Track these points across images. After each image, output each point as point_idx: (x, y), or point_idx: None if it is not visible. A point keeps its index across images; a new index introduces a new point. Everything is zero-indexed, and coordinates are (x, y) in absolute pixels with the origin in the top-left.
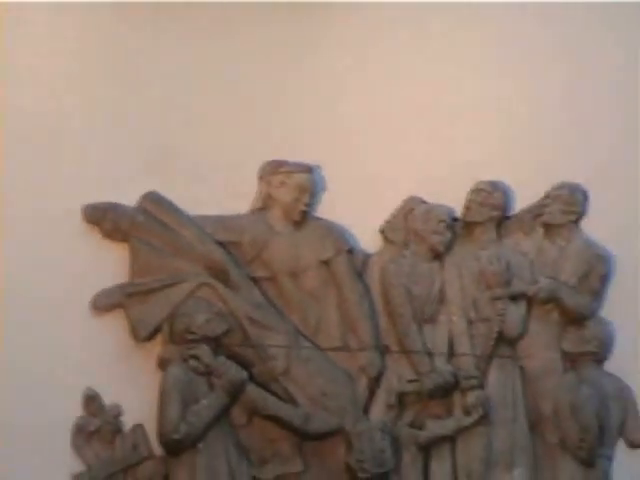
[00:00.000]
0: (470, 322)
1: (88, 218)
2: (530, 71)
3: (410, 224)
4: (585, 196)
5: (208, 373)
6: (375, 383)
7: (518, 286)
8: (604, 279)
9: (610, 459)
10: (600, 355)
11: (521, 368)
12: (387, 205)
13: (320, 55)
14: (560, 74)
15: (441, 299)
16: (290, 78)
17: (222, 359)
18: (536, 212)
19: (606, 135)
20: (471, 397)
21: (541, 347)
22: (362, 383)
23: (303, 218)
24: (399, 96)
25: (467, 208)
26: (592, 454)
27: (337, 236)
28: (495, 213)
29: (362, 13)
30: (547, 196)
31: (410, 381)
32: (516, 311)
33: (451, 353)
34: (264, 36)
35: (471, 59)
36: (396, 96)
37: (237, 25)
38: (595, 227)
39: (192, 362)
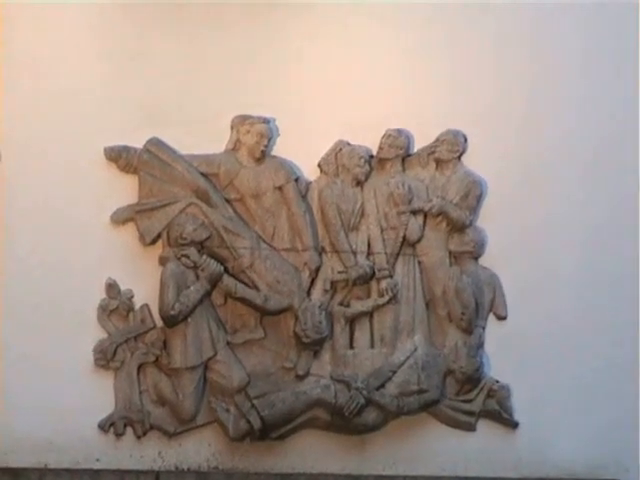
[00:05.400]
0: (382, 230)
1: (108, 157)
2: (423, 48)
3: (339, 160)
4: (465, 139)
5: (195, 267)
6: (315, 274)
7: (417, 204)
8: (479, 198)
9: (483, 328)
10: (476, 253)
11: (419, 263)
12: (323, 146)
13: (278, 42)
14: (444, 54)
15: (362, 213)
16: (256, 58)
17: (205, 257)
18: (430, 151)
19: (482, 92)
20: (384, 283)
21: (434, 248)
22: (305, 274)
23: (262, 156)
24: (332, 69)
25: (380, 148)
26: (470, 324)
27: (287, 169)
28: (400, 152)
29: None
30: (437, 139)
31: (340, 272)
32: (415, 222)
33: (369, 252)
34: (239, 26)
35: (383, 42)
36: (329, 69)
37: (219, 15)
38: (472, 161)
39: (184, 259)
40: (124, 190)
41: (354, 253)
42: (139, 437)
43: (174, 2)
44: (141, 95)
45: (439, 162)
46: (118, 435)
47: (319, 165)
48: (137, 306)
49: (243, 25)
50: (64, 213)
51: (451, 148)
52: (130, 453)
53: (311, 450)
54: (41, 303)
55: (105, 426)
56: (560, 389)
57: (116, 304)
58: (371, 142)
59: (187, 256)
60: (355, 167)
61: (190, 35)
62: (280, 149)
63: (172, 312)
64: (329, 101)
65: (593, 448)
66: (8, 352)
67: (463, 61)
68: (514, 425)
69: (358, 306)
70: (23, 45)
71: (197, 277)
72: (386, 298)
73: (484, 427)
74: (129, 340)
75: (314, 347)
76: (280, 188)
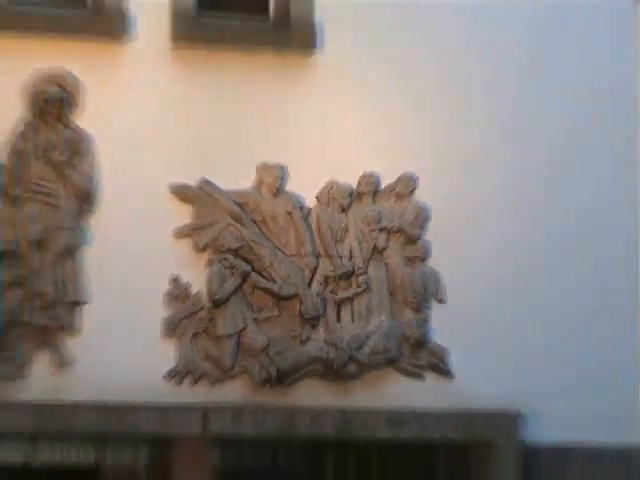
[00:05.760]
0: (360, 242)
1: (172, 191)
2: (387, 118)
3: (330, 194)
4: (416, 180)
5: (231, 267)
6: (313, 272)
7: (384, 224)
8: (425, 220)
9: (429, 308)
10: (424, 257)
11: (385, 264)
12: (319, 185)
13: (290, 109)
14: (404, 119)
15: (346, 230)
16: (275, 121)
17: (238, 260)
18: (392, 188)
19: (433, 141)
20: (360, 278)
21: (395, 253)
22: (307, 272)
23: (277, 191)
24: (325, 133)
25: (359, 184)
26: (420, 306)
27: (294, 200)
28: (372, 188)
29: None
30: (398, 179)
31: (331, 270)
32: (382, 236)
33: (350, 257)
34: (263, 95)
35: (360, 113)
36: (323, 132)
37: (250, 82)
38: (422, 194)
39: (223, 262)
40: (183, 214)
41: (340, 257)
42: (192, 384)
43: (221, 82)
44: (196, 145)
45: (398, 195)
46: (178, 382)
47: (317, 197)
48: (192, 293)
49: (270, 93)
50: (145, 229)
51: (407, 186)
52: (186, 394)
53: (311, 392)
54: (129, 291)
55: (170, 376)
56: (482, 348)
57: (178, 292)
58: (352, 181)
59: (226, 259)
60: (341, 199)
61: (231, 104)
62: (290, 186)
63: (216, 297)
64: (324, 154)
65: (506, 387)
66: (104, 320)
67: (415, 123)
68: (450, 375)
69: (343, 294)
70: (95, 97)
71: (232, 274)
72: (362, 288)
73: (430, 377)
74: (186, 316)
75: (313, 321)
76: (289, 213)
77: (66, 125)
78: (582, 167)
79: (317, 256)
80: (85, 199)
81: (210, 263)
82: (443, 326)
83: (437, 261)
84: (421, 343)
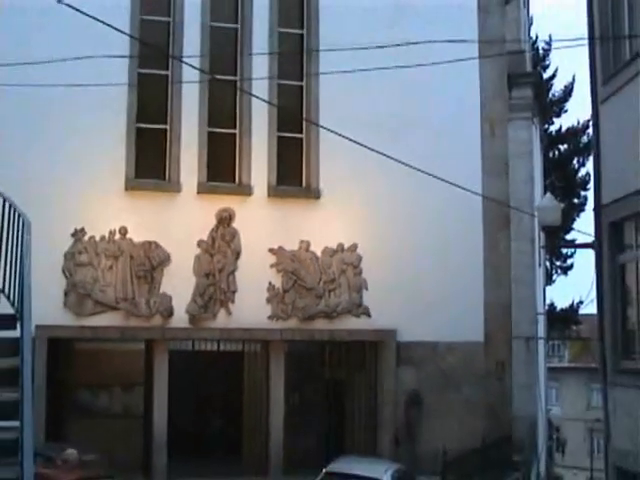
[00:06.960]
0: (337, 268)
1: (269, 249)
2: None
3: (326, 251)
4: (357, 245)
5: (291, 278)
6: (320, 279)
7: (346, 261)
8: (360, 260)
9: (362, 292)
10: (360, 273)
11: (347, 276)
12: (321, 248)
13: (310, 223)
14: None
15: (331, 264)
16: (304, 229)
17: (294, 276)
18: (348, 248)
19: (364, 234)
20: (336, 281)
21: (349, 272)
22: (317, 279)
23: (307, 251)
24: (322, 230)
25: (336, 247)
26: (359, 291)
27: (312, 255)
28: (340, 248)
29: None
30: (350, 245)
31: (326, 279)
32: (344, 266)
33: (333, 274)
34: (298, 219)
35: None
36: (321, 230)
37: (294, 215)
38: (359, 250)
39: (287, 276)
40: (273, 259)
41: (330, 274)
42: (276, 320)
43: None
44: (278, 236)
45: (351, 251)
46: (272, 320)
47: (321, 252)
48: (276, 287)
49: (298, 220)
50: (260, 265)
51: (353, 247)
52: (274, 325)
53: (320, 323)
54: (256, 287)
55: (268, 318)
56: (382, 308)
57: (271, 287)
58: (334, 246)
59: (289, 275)
60: (330, 253)
61: (289, 220)
62: (311, 249)
63: (286, 288)
64: (324, 239)
65: (392, 319)
66: (250, 295)
67: (364, 227)
68: (370, 316)
69: (331, 287)
70: None
71: (291, 280)
72: (338, 285)
73: (362, 317)
74: (274, 296)
75: (320, 297)
76: (311, 259)
77: (229, 226)
78: None
79: (321, 273)
80: (237, 256)
81: (283, 277)
82: (368, 298)
83: (366, 274)
84: (359, 305)
